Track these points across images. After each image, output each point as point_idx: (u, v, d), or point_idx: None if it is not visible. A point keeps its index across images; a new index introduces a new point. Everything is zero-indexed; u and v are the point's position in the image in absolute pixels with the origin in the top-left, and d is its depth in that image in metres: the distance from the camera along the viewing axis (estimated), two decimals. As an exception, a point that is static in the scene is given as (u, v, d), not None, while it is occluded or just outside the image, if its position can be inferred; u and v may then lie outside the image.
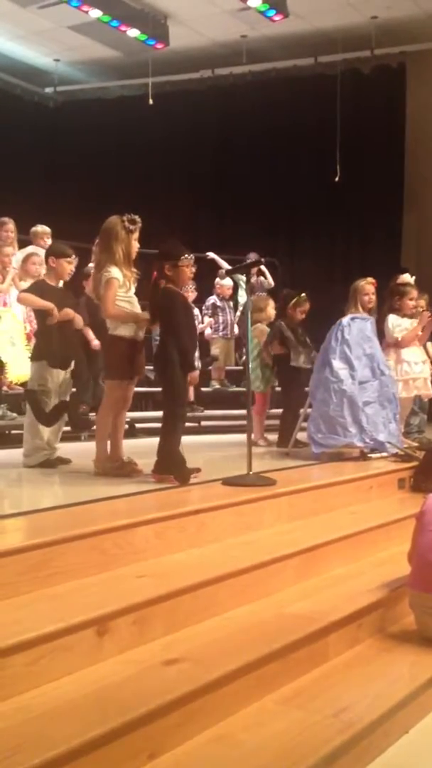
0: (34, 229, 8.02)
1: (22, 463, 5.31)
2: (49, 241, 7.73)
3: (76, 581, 3.12)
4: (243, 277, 9.45)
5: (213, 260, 10.05)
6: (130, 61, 12.26)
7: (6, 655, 2.46)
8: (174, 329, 4.74)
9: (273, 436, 7.35)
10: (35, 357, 5.46)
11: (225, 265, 9.71)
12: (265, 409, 7.33)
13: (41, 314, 5.49)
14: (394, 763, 2.69)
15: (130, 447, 5.24)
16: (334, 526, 4.36)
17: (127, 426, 7.73)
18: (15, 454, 5.61)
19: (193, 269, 4.97)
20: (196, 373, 4.97)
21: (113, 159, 13.01)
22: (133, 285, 4.96)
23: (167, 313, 4.75)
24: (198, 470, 4.74)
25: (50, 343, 5.36)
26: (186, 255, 4.81)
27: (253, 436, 7.21)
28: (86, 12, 10.52)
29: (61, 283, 5.62)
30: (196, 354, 6.42)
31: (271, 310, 7.39)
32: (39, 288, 5.53)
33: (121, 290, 4.86)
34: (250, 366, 5.70)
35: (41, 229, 7.98)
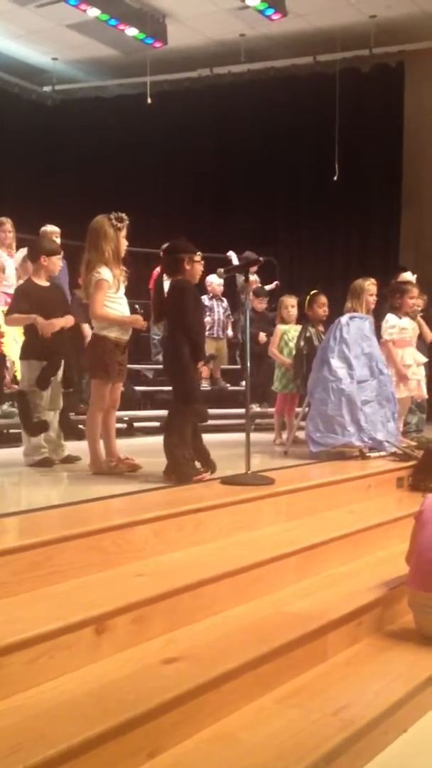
0: (43, 228, 7.97)
1: (22, 463, 5.31)
2: (58, 241, 7.72)
3: (74, 580, 3.12)
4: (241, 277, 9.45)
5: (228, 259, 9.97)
6: (128, 59, 12.25)
7: (5, 653, 2.46)
8: (184, 322, 4.65)
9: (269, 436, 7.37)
10: (24, 355, 5.42)
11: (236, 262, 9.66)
12: (283, 409, 7.32)
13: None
14: (393, 762, 2.69)
15: (128, 446, 5.23)
16: (332, 525, 4.36)
17: (125, 425, 7.79)
18: (15, 453, 5.61)
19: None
20: (202, 364, 4.89)
21: (111, 158, 13.00)
22: (122, 284, 4.95)
23: (178, 305, 4.66)
24: (207, 470, 4.72)
25: (38, 340, 5.31)
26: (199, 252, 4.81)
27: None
28: (84, 11, 10.52)
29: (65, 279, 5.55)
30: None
31: (292, 310, 7.37)
32: (24, 292, 5.44)
33: (111, 291, 4.85)
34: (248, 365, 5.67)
35: (50, 228, 7.92)
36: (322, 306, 7.00)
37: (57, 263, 5.55)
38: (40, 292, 5.39)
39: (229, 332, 9.83)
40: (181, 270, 4.73)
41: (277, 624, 3.16)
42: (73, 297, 7.03)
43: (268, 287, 9.72)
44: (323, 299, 7.03)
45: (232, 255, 9.97)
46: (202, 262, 4.84)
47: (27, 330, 5.48)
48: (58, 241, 7.74)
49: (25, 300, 5.35)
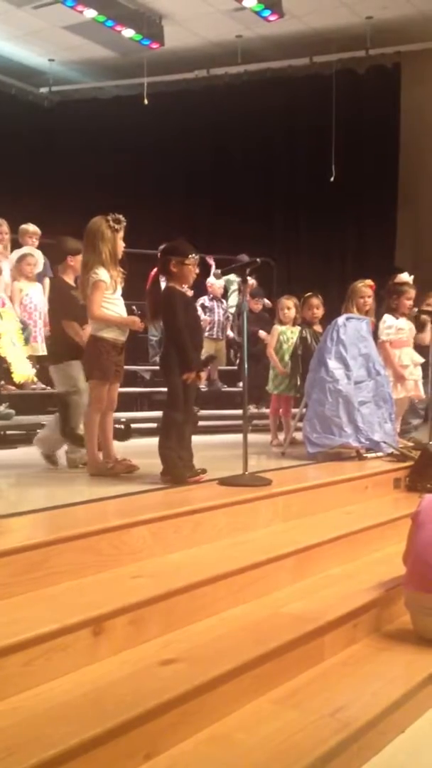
0: (24, 227, 7.99)
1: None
2: (37, 241, 7.76)
3: (72, 582, 3.12)
4: (235, 278, 9.46)
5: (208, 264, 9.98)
6: (125, 61, 12.26)
7: (2, 655, 2.46)
8: (172, 328, 4.69)
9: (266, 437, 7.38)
10: (55, 359, 5.39)
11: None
12: (277, 410, 7.32)
13: (56, 315, 5.41)
14: (391, 763, 2.69)
15: (125, 448, 5.22)
16: (329, 526, 4.36)
17: (122, 426, 7.79)
18: (11, 454, 5.61)
19: (197, 271, 4.91)
20: (194, 373, 4.73)
21: (108, 159, 13.00)
22: (119, 285, 4.95)
23: (167, 312, 4.70)
24: (203, 471, 4.71)
25: (70, 341, 5.30)
26: (193, 254, 4.79)
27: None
28: (81, 12, 10.53)
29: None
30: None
31: (288, 311, 7.36)
32: (68, 298, 5.37)
33: (108, 292, 4.85)
34: (246, 366, 5.67)
35: (32, 228, 7.95)
36: (311, 308, 7.07)
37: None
38: (76, 300, 5.35)
39: (229, 333, 9.84)
40: (168, 272, 4.75)
41: (275, 625, 3.16)
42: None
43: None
44: (314, 302, 7.08)
45: (210, 259, 10.02)
46: (194, 264, 4.83)
47: (56, 332, 5.46)
48: (36, 242, 7.80)
49: (72, 305, 5.31)
